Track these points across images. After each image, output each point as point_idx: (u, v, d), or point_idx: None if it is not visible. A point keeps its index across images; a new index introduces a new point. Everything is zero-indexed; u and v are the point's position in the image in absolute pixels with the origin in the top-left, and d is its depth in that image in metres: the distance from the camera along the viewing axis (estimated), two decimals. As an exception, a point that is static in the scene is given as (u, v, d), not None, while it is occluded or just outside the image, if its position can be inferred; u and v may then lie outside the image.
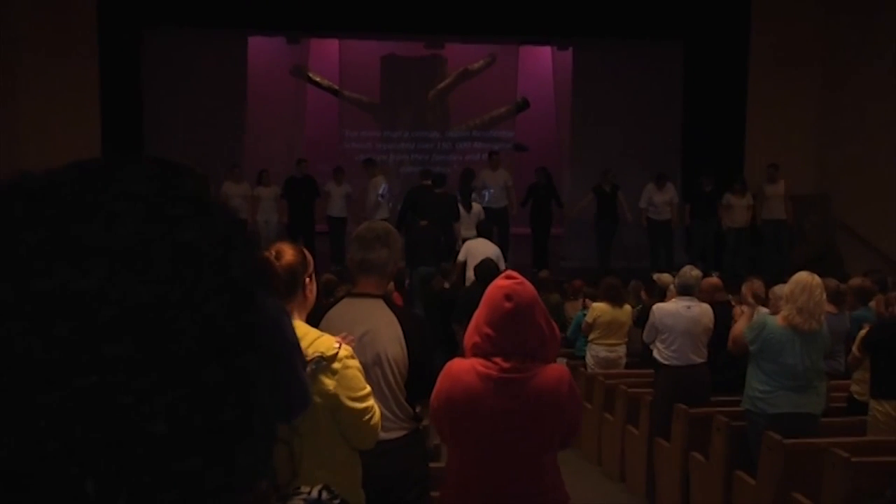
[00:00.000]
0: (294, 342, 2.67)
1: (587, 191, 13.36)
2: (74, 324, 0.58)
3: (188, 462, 0.60)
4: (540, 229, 13.26)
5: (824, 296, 5.45)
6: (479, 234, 10.55)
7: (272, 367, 0.67)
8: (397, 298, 5.04)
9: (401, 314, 3.52)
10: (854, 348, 5.95)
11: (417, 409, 3.59)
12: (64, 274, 0.59)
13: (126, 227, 0.62)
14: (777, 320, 5.35)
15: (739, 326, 5.86)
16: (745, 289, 6.42)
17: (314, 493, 0.62)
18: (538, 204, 13.15)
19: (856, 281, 8.03)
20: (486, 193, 12.93)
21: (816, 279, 5.36)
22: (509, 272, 3.05)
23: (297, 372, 2.57)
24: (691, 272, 6.84)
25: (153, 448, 0.59)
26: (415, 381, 3.43)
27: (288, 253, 2.96)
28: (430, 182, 11.57)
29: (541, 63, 15.51)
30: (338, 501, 0.63)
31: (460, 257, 10.01)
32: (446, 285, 9.73)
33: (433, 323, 8.19)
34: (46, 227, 0.61)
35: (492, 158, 13.41)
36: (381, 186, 12.94)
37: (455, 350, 7.77)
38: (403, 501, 3.42)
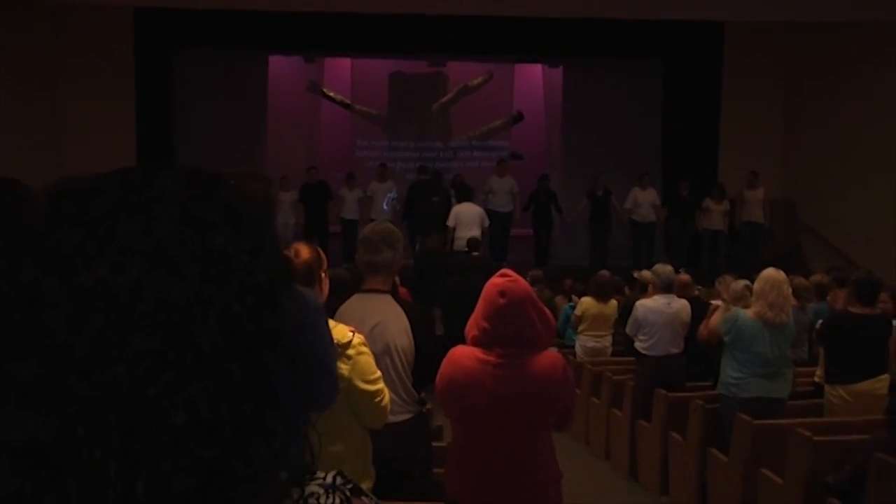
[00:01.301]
0: (329, 339, 2.62)
1: (582, 196, 13.29)
2: (108, 317, 0.58)
3: (205, 452, 0.59)
4: (541, 231, 13.20)
5: (790, 290, 5.44)
6: (463, 199, 11.13)
7: (294, 367, 0.65)
8: (404, 293, 5.02)
9: (408, 308, 3.52)
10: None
11: (422, 394, 3.59)
12: (103, 270, 0.59)
13: (162, 230, 0.61)
14: (748, 314, 5.34)
15: (715, 320, 5.85)
16: (721, 288, 6.36)
17: (328, 479, 0.62)
18: (539, 208, 13.09)
19: (815, 277, 8.01)
20: (489, 197, 12.89)
21: (782, 275, 5.34)
22: (504, 270, 3.05)
23: (328, 368, 2.52)
24: (667, 269, 6.79)
25: (172, 437, 0.58)
26: (420, 368, 3.44)
27: (304, 251, 2.97)
28: (428, 177, 12.41)
29: (533, 80, 15.49)
30: (350, 486, 0.63)
31: (449, 222, 10.80)
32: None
33: (428, 277, 8.76)
34: (90, 226, 0.61)
35: (500, 166, 13.28)
36: (391, 192, 12.97)
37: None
38: (410, 477, 3.42)
